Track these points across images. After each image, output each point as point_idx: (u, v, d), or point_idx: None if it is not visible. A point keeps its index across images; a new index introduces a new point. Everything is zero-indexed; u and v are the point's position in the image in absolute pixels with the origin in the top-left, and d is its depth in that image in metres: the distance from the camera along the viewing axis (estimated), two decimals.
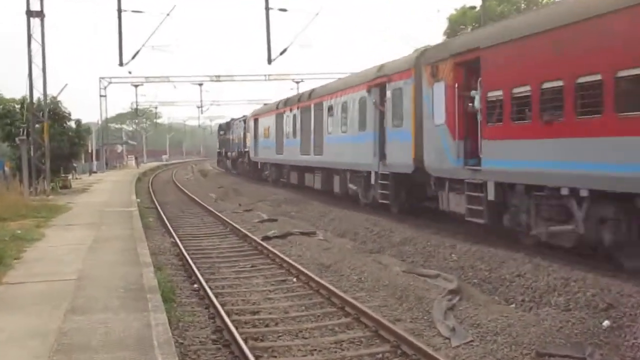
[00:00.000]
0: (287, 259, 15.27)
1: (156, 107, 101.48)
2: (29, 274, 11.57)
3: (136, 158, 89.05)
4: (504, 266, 12.83)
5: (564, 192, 12.15)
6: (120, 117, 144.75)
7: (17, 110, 33.92)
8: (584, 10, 11.36)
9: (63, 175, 37.87)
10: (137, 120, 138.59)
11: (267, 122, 38.61)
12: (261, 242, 17.97)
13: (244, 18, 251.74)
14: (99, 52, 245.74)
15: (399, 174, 19.98)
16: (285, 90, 72.44)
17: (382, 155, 20.41)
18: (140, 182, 50.32)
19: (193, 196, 35.37)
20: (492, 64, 14.05)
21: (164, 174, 71.74)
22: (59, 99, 37.93)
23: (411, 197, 19.88)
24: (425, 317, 10.45)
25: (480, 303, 10.97)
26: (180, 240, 18.84)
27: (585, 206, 11.81)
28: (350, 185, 24.94)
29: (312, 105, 28.85)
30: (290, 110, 33.01)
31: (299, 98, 32.19)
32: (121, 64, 34.29)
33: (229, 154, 59.89)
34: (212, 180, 54.79)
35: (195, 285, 13.17)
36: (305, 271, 13.71)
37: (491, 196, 14.24)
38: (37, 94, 32.28)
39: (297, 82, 68.11)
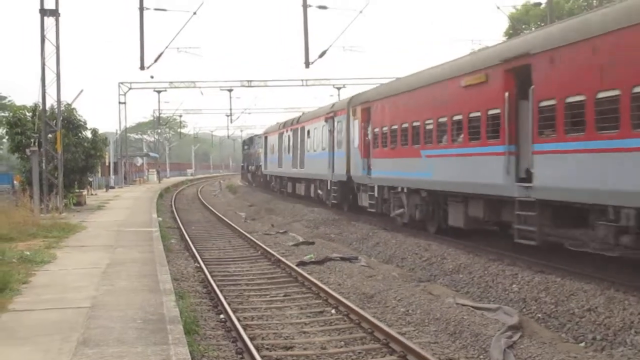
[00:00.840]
0: (325, 287, 15.28)
1: (180, 116, 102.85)
2: (37, 301, 11.71)
3: (158, 172, 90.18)
4: (573, 299, 12.75)
5: (400, 189, 23.82)
6: (140, 127, 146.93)
7: (29, 118, 34.24)
8: (416, 81, 23.05)
9: (77, 190, 38.39)
10: (159, 130, 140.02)
11: (273, 140, 50.51)
12: (296, 268, 18.09)
13: (279, 17, 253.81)
14: (118, 55, 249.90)
15: (340, 182, 31.79)
16: (325, 98, 72.67)
17: (333, 169, 30.14)
18: (162, 199, 50.94)
19: (220, 215, 35.82)
20: (377, 111, 26.27)
21: (188, 190, 72.44)
22: (73, 106, 38.50)
23: (354, 198, 28.86)
24: (481, 356, 10.38)
25: (544, 341, 10.87)
26: (205, 265, 19.01)
27: (407, 195, 23.76)
28: (319, 191, 36.81)
29: (299, 128, 40.99)
30: (287, 131, 44.59)
31: (292, 122, 44.09)
32: (142, 67, 34.74)
33: (250, 167, 71.17)
34: (241, 197, 55.39)
35: (222, 316, 13.24)
36: (346, 301, 13.71)
37: (376, 194, 25.82)
38: (51, 101, 32.71)
39: (338, 88, 68.28)
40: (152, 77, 54.58)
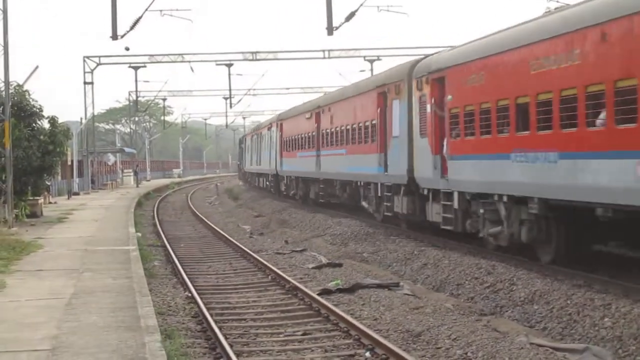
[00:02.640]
0: (356, 323, 15.19)
1: (165, 99, 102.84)
2: None
3: (136, 173, 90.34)
4: None
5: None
6: (113, 114, 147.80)
7: None
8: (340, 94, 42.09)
9: (31, 198, 38.44)
10: (137, 119, 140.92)
11: (250, 140, 74.29)
12: (318, 298, 18.01)
13: None
14: (84, 22, 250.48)
15: (272, 174, 59.07)
16: (354, 74, 72.21)
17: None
18: (142, 208, 51.20)
19: (218, 229, 35.81)
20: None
21: (175, 196, 72.47)
22: (25, 87, 38.58)
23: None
24: None
25: None
26: (199, 295, 18.95)
27: (340, 185, 39.65)
28: (267, 183, 64.76)
29: (261, 132, 66.29)
30: (258, 133, 68.77)
31: (259, 126, 71.49)
32: (115, 36, 34.79)
33: (242, 165, 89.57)
34: (245, 205, 55.61)
35: None
36: (384, 342, 13.61)
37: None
38: None
39: (371, 61, 68.25)
40: (127, 48, 54.10)
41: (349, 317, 15.69)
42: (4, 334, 12.37)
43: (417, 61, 29.22)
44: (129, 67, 70.63)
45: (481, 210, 23.13)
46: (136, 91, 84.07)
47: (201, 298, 18.54)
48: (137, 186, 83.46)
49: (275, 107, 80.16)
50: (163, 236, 33.27)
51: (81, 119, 74.04)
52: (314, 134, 44.95)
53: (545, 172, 19.50)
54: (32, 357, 10.77)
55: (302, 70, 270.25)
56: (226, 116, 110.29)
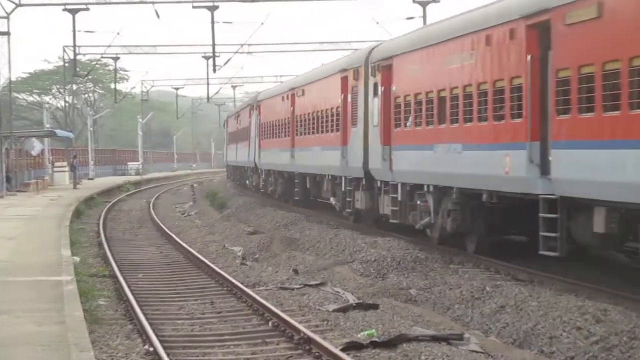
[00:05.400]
0: None
1: (117, 58, 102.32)
2: None
3: (73, 167, 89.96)
4: None
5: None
6: (39, 80, 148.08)
7: None
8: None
9: None
10: (74, 87, 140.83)
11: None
12: (342, 355, 18.07)
13: None
14: None
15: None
16: (398, 22, 72.16)
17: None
18: (82, 220, 51.74)
19: (193, 251, 36.01)
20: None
21: (132, 201, 72.91)
22: None
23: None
24: None
25: None
26: (166, 350, 18.92)
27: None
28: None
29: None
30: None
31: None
32: None
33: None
34: (235, 216, 55.48)
35: None
36: None
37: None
38: None
39: (424, 3, 67.90)
40: None
41: None
42: None
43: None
44: (64, 9, 70.28)
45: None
46: (74, 46, 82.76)
47: (169, 355, 18.48)
48: (75, 187, 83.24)
49: (281, 71, 79.66)
50: (112, 262, 33.27)
51: None
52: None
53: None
54: None
55: (321, 17, 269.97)
56: (207, 84, 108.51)
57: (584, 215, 24.59)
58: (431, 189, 31.75)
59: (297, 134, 52.84)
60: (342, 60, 45.74)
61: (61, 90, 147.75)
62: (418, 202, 32.89)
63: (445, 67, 30.45)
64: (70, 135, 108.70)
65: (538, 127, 25.62)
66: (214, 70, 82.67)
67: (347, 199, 41.35)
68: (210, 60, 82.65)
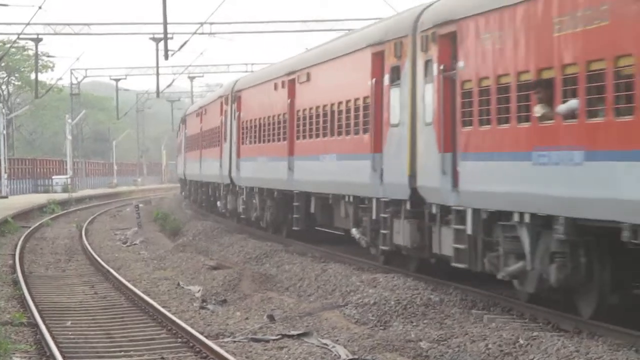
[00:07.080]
0: None
1: (38, 39, 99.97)
2: None
3: None
4: None
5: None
6: None
7: None
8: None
9: None
10: None
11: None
12: None
13: None
14: None
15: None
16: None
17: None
18: None
19: (138, 291, 34.40)
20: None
21: (58, 226, 72.40)
22: None
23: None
24: None
25: None
26: None
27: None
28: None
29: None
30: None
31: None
32: None
33: None
34: (193, 246, 53.73)
35: None
36: None
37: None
38: None
39: None
40: None
41: None
42: None
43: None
44: None
45: (501, 239, 26.12)
46: None
47: None
48: None
49: (253, 57, 76.32)
50: (32, 305, 31.09)
51: None
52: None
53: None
54: None
55: None
56: (157, 75, 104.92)
57: None
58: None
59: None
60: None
61: None
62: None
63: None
64: None
65: None
66: (166, 57, 78.59)
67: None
68: (161, 44, 79.05)
